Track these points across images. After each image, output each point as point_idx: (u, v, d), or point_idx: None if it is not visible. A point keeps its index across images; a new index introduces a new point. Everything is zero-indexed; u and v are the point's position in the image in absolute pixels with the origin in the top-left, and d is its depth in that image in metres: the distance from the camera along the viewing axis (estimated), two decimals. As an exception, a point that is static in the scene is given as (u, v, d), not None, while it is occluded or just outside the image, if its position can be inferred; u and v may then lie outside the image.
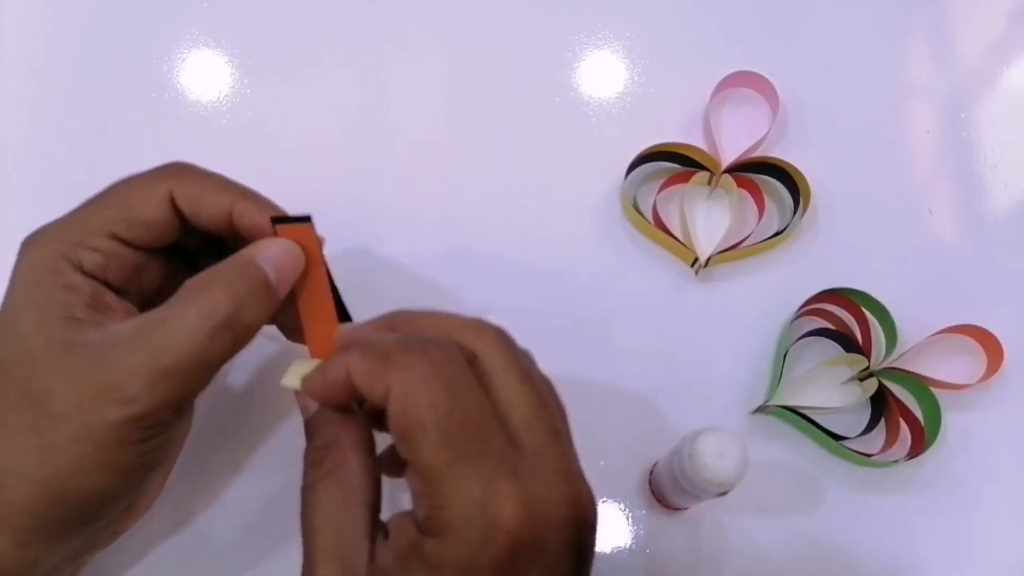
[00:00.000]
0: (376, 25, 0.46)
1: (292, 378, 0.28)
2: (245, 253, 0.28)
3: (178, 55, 0.45)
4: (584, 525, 0.24)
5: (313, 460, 0.26)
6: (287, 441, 0.38)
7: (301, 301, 0.30)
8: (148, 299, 0.30)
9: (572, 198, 0.43)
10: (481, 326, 0.27)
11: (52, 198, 0.42)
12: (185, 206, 0.28)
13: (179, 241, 0.30)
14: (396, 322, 0.28)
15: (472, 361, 0.26)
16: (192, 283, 0.27)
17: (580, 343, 0.41)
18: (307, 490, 0.26)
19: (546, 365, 0.41)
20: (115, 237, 0.28)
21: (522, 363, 0.26)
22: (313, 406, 0.28)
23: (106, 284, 0.28)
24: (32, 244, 0.28)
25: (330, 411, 0.27)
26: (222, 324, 0.26)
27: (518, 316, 0.41)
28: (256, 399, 0.39)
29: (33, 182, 0.43)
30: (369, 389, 0.24)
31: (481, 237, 0.42)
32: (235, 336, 0.27)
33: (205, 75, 0.45)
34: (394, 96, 0.45)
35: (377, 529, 0.25)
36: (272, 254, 0.28)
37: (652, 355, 0.41)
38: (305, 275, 0.29)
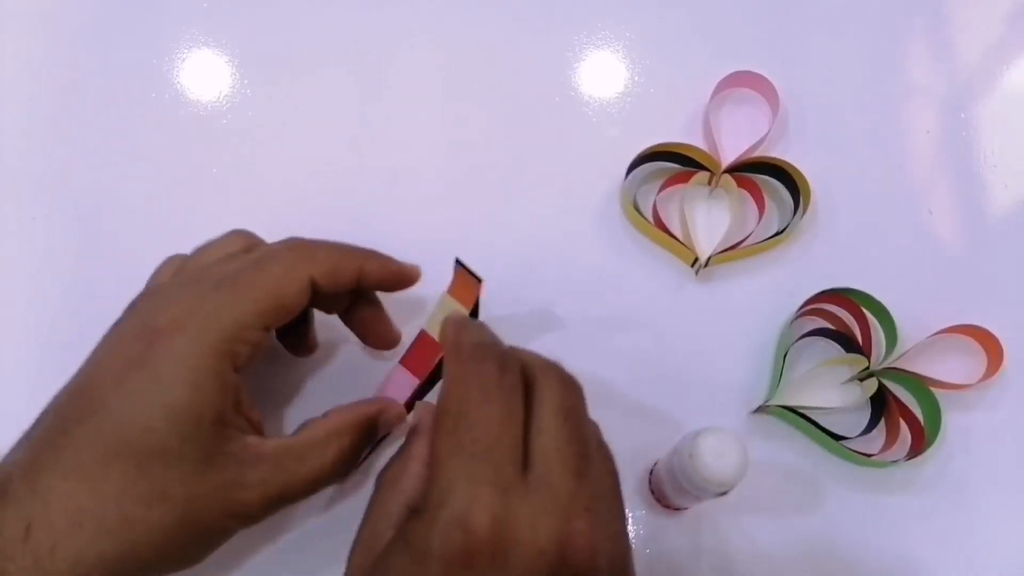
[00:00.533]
0: (376, 24, 0.46)
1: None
2: (373, 409, 0.32)
3: (178, 55, 0.45)
4: (564, 567, 0.24)
5: (387, 464, 0.30)
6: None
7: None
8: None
9: (572, 198, 0.43)
10: (551, 365, 0.28)
11: (53, 198, 0.43)
12: (324, 283, 0.31)
13: None
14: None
15: (529, 390, 0.27)
16: (329, 426, 0.31)
17: (580, 343, 0.41)
18: (376, 484, 0.29)
19: (546, 365, 0.41)
20: (266, 327, 0.30)
21: (569, 403, 0.27)
22: (418, 419, 0.31)
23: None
24: (184, 333, 0.28)
25: (424, 424, 0.30)
26: (339, 475, 0.31)
27: (518, 316, 0.41)
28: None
29: (34, 182, 0.43)
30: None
31: (481, 237, 0.42)
32: (339, 480, 0.31)
33: (205, 75, 0.45)
34: (394, 95, 0.45)
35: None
36: (391, 415, 0.33)
37: (652, 355, 0.41)
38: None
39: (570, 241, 0.42)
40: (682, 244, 0.41)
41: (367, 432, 0.32)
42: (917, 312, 0.41)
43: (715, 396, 0.40)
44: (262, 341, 0.30)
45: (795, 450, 0.40)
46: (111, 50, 0.45)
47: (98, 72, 0.44)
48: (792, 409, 0.38)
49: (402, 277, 0.34)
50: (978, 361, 0.42)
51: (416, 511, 0.25)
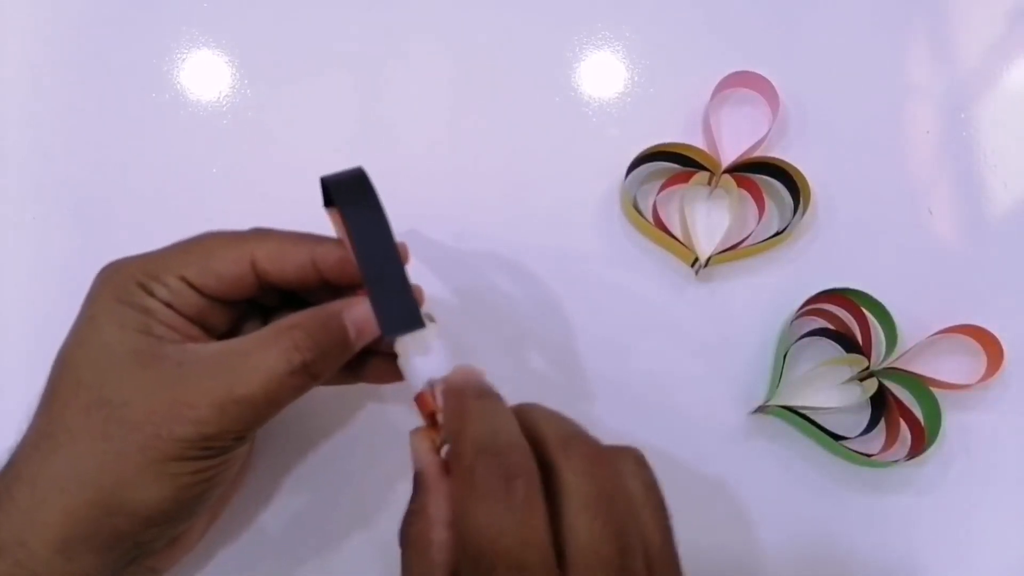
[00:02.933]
0: (376, 25, 0.46)
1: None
2: (333, 306, 0.29)
3: (178, 55, 0.45)
4: None
5: (405, 521, 0.27)
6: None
7: None
8: (212, 336, 0.31)
9: (572, 198, 0.43)
10: (570, 438, 0.26)
11: (52, 198, 0.43)
12: (269, 265, 0.29)
13: (256, 299, 0.31)
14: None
15: (549, 475, 0.25)
16: (280, 323, 0.28)
17: (579, 344, 0.41)
18: (401, 548, 0.27)
19: (544, 366, 0.41)
20: (185, 280, 0.29)
21: (597, 487, 0.25)
22: (420, 463, 0.28)
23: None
24: (110, 270, 0.29)
25: (430, 474, 0.27)
26: (299, 369, 0.27)
27: (517, 317, 0.41)
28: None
29: (33, 182, 0.43)
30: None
31: (480, 237, 0.42)
32: (307, 382, 0.28)
33: (205, 75, 0.45)
34: (394, 97, 0.45)
35: None
36: (357, 314, 0.29)
37: (651, 355, 0.41)
38: None
39: (570, 241, 0.42)
40: (682, 244, 0.41)
41: (334, 332, 0.28)
42: (917, 312, 0.41)
43: (715, 396, 0.41)
44: (183, 296, 0.29)
45: (795, 450, 0.40)
46: (111, 50, 0.45)
47: (98, 72, 0.44)
48: (792, 409, 0.38)
49: None
50: (978, 361, 0.42)
51: None
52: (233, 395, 0.26)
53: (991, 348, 0.41)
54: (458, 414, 0.27)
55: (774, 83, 0.44)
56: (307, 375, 0.28)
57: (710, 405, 0.40)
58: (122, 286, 0.28)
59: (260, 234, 0.30)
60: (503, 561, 0.23)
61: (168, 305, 0.29)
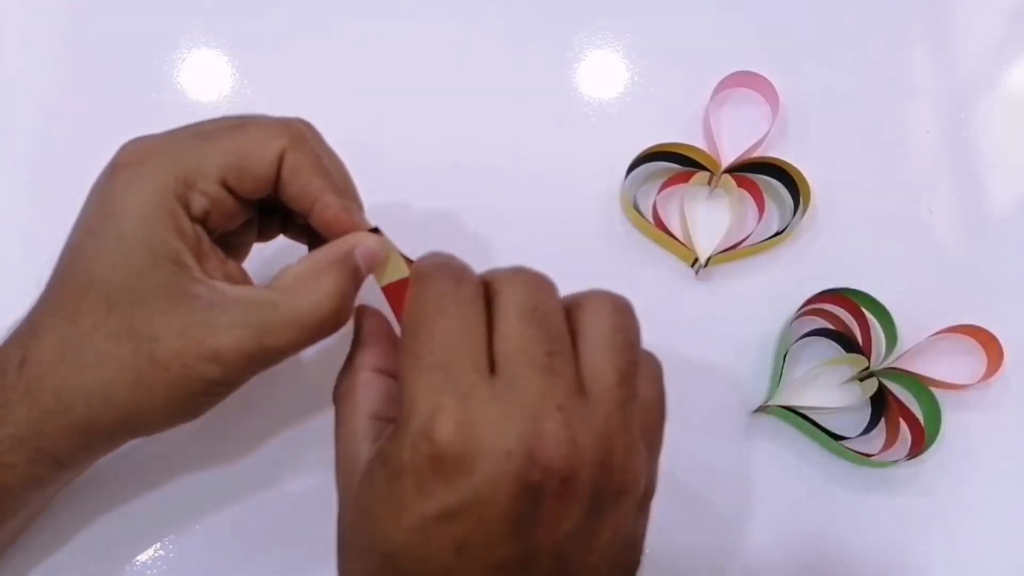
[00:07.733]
0: (376, 26, 0.46)
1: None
2: (346, 245, 0.29)
3: (178, 55, 0.45)
4: (533, 466, 0.23)
5: (340, 378, 0.30)
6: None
7: None
8: (219, 238, 0.31)
9: (572, 198, 0.43)
10: (514, 270, 0.28)
11: (52, 198, 0.42)
12: (286, 175, 0.29)
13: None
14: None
15: (492, 299, 0.26)
16: (302, 272, 0.29)
17: (580, 343, 0.41)
18: (334, 401, 0.29)
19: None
20: (225, 184, 0.28)
21: (534, 302, 0.26)
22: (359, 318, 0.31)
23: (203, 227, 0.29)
24: (141, 168, 0.28)
25: (370, 327, 0.30)
26: (328, 322, 0.28)
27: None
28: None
29: (33, 182, 0.43)
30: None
31: (480, 237, 0.42)
32: (332, 331, 0.29)
33: (205, 75, 0.45)
34: (395, 97, 0.45)
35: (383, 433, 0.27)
36: (366, 252, 0.29)
37: (652, 355, 0.41)
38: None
39: (570, 241, 0.42)
40: (682, 244, 0.41)
41: (350, 270, 0.29)
42: (917, 312, 0.41)
43: (715, 396, 0.41)
44: (223, 203, 0.29)
45: (795, 450, 0.40)
46: (111, 50, 0.45)
47: (99, 72, 0.44)
48: (792, 409, 0.38)
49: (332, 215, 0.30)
50: (978, 361, 0.42)
51: (393, 428, 0.25)
52: (262, 347, 0.27)
53: (991, 348, 0.41)
54: (422, 257, 0.28)
55: (774, 83, 0.44)
56: (334, 326, 0.29)
57: (710, 405, 0.40)
58: (156, 199, 0.27)
59: (295, 134, 0.29)
60: (437, 339, 0.25)
61: (202, 219, 0.28)
